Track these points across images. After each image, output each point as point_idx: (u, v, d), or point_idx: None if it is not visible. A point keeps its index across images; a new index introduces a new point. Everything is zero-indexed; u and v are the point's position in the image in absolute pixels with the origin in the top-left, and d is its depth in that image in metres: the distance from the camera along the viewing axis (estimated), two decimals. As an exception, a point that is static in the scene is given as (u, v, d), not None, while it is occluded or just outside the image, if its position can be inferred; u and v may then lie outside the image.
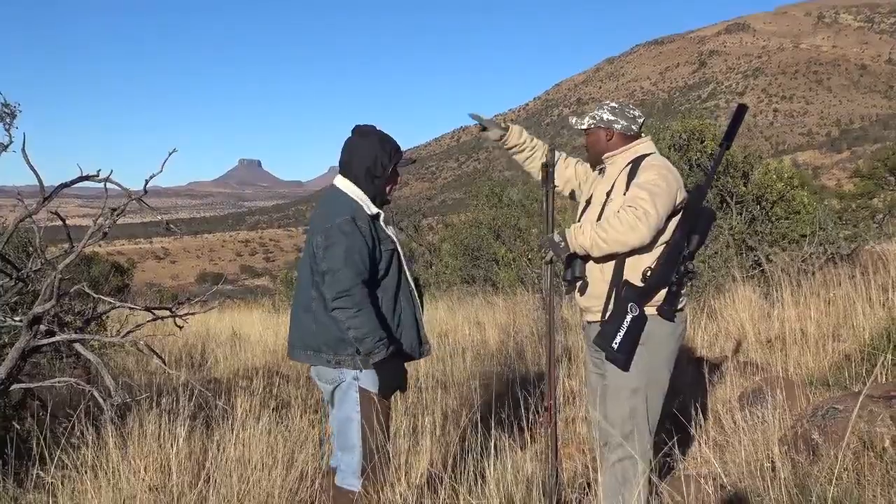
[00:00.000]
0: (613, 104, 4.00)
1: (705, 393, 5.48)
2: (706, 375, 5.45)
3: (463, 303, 12.04)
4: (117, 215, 5.04)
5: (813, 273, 8.49)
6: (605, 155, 3.99)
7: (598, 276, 3.78)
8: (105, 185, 5.01)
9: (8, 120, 4.76)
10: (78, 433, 4.60)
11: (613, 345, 3.64)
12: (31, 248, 6.20)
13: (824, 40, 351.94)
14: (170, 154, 5.13)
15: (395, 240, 3.80)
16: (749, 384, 5.55)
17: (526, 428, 5.07)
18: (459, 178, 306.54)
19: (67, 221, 5.30)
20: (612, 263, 3.75)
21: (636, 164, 3.87)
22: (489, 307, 10.98)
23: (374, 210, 3.75)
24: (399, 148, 3.83)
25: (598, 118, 3.98)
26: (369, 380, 3.68)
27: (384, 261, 3.69)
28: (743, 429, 4.54)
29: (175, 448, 4.45)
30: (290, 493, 4.36)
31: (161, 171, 5.07)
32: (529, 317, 9.42)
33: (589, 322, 3.98)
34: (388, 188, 3.86)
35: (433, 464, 4.63)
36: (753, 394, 5.22)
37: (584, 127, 4.00)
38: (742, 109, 4.03)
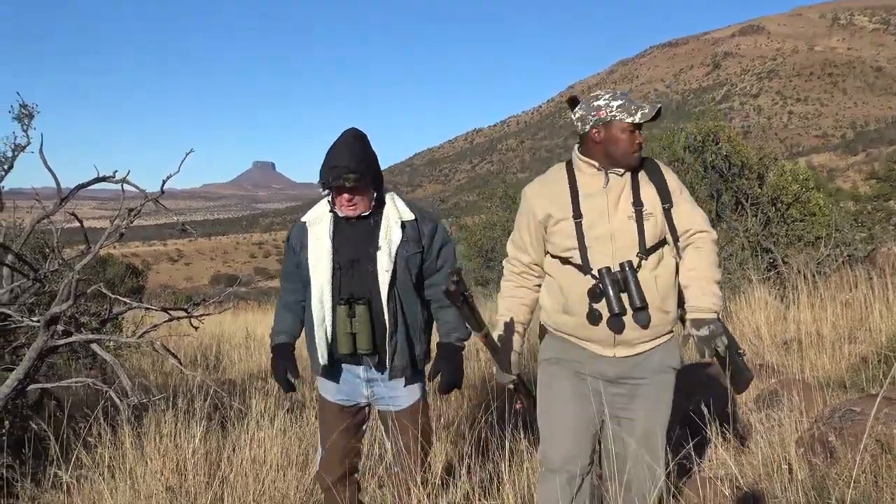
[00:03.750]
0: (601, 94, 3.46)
1: (721, 395, 5.46)
2: (721, 377, 5.43)
3: (477, 304, 12.03)
4: (134, 216, 5.06)
5: (829, 275, 8.46)
6: None
7: (657, 303, 3.32)
8: (122, 186, 5.03)
9: (26, 121, 4.78)
10: (95, 433, 4.63)
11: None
12: (47, 250, 6.23)
13: (839, 42, 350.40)
14: (186, 155, 5.16)
15: (321, 248, 3.67)
16: (765, 386, 5.53)
17: (538, 430, 5.06)
18: (473, 180, 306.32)
19: (83, 223, 5.32)
20: (673, 286, 3.40)
21: (647, 167, 3.45)
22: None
23: (309, 217, 3.80)
24: (332, 166, 3.54)
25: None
26: (320, 382, 3.89)
27: (304, 268, 3.72)
28: (759, 431, 4.52)
29: (191, 448, 4.47)
30: (306, 494, 4.38)
31: (178, 172, 5.09)
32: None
33: (620, 357, 3.42)
34: (336, 202, 3.66)
35: (448, 465, 4.63)
36: (769, 396, 5.20)
37: (651, 116, 3.37)
38: (573, 102, 3.52)
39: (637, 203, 3.35)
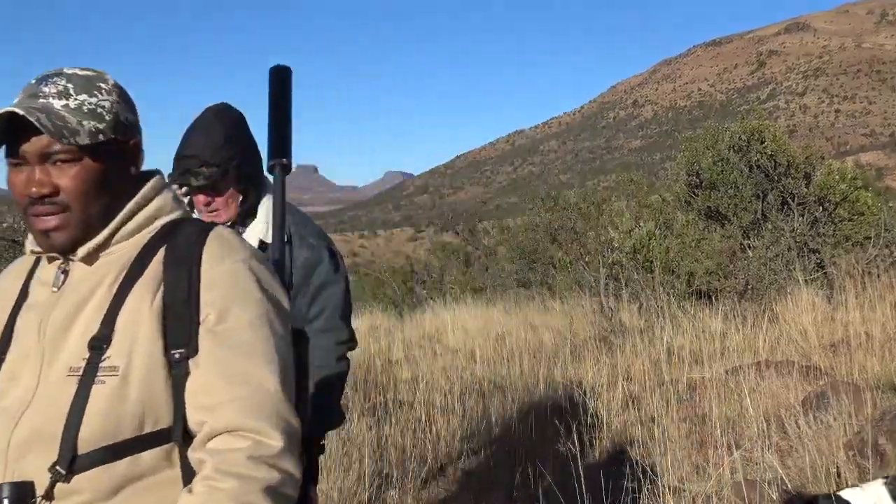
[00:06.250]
0: (109, 80, 1.52)
1: (767, 397, 5.40)
2: (767, 380, 5.36)
3: (520, 306, 12.05)
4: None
5: (878, 276, 8.32)
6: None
7: None
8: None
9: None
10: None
11: None
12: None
13: (888, 38, 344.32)
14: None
15: None
16: (812, 388, 5.45)
17: (584, 433, 5.05)
18: (514, 182, 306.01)
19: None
20: None
21: (175, 248, 1.50)
22: (545, 311, 10.95)
23: None
24: (181, 156, 2.55)
25: (104, 113, 1.47)
26: None
27: None
28: (807, 434, 4.46)
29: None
30: (350, 495, 4.40)
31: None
32: (586, 320, 9.38)
33: None
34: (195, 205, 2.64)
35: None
36: (817, 398, 5.13)
37: (87, 141, 1.41)
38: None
39: (98, 339, 1.41)
